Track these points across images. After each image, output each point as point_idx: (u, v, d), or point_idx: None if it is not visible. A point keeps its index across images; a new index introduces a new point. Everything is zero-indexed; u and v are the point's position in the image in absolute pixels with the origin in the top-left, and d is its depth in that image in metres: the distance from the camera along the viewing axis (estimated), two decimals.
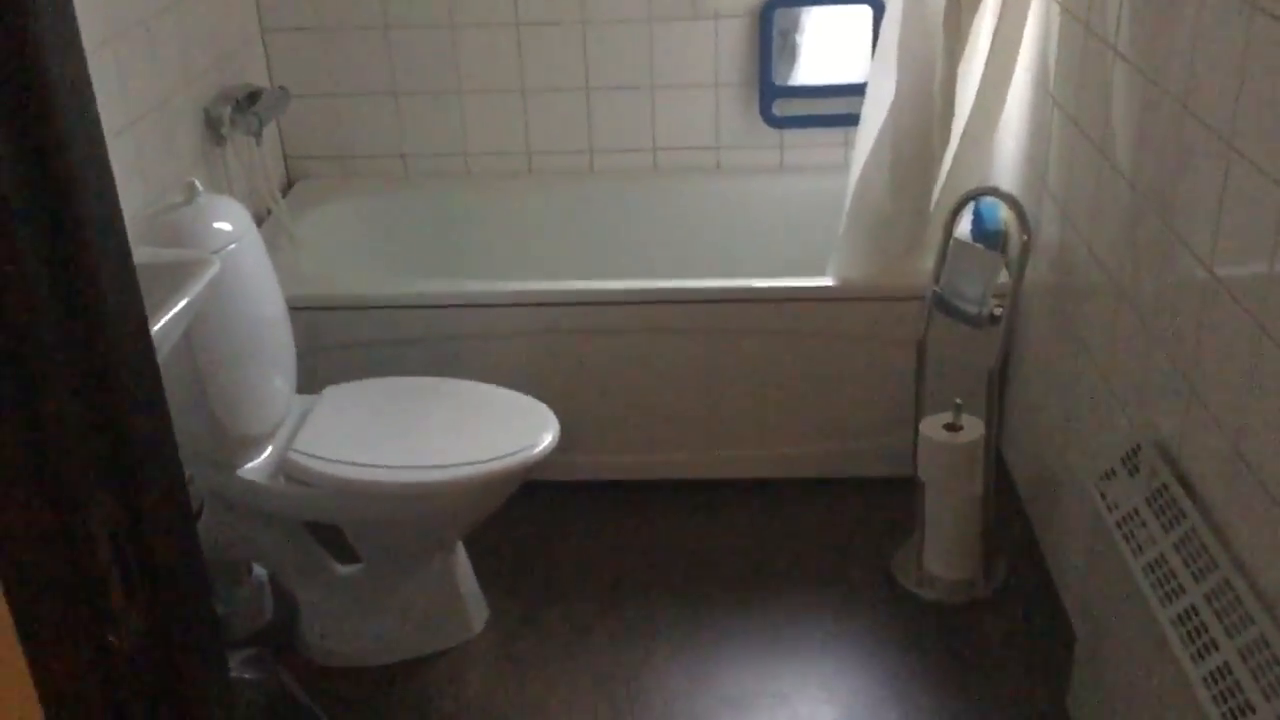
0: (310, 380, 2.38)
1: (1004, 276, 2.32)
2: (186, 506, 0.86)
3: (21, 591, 0.72)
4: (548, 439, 2.17)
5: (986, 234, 2.49)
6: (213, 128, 2.60)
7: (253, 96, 2.71)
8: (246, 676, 2.01)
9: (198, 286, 1.64)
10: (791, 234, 3.00)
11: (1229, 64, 1.50)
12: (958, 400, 2.29)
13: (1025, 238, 2.23)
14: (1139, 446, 1.77)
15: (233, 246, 2.06)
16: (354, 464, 2.08)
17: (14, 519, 0.71)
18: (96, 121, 0.73)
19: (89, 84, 0.73)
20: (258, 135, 2.70)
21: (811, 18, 2.95)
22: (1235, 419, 1.50)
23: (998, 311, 2.25)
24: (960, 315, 2.29)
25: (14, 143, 0.66)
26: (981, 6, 2.29)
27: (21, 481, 0.70)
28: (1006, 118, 2.51)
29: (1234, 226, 1.51)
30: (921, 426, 2.31)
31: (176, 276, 1.64)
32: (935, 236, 2.39)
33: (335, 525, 2.23)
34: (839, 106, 2.97)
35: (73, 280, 0.71)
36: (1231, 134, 1.50)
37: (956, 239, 2.32)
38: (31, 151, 0.67)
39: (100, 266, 0.72)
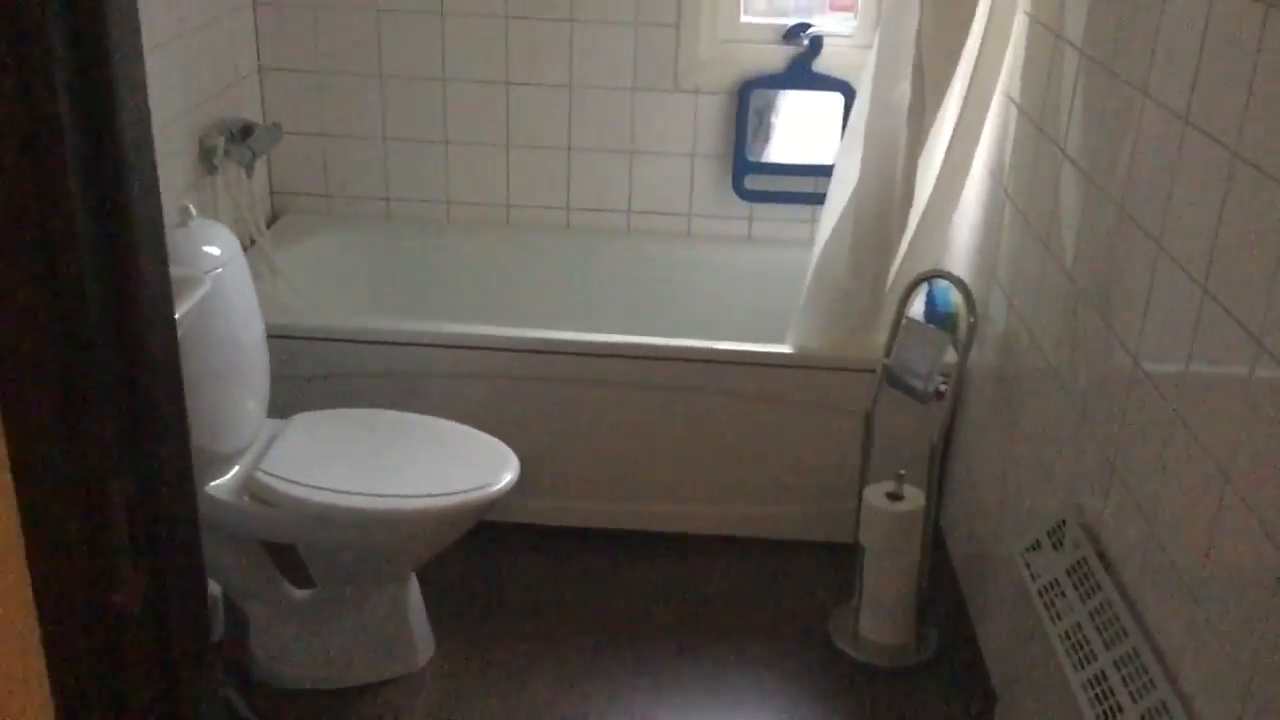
0: (281, 405, 2.45)
1: (951, 356, 2.45)
2: (191, 488, 0.94)
3: (41, 548, 0.80)
4: (507, 478, 2.25)
5: (938, 315, 2.62)
6: (206, 157, 2.69)
7: (247, 130, 2.81)
8: None
9: (188, 304, 1.72)
10: (755, 302, 3.13)
11: (1163, 172, 1.64)
12: (901, 471, 2.40)
13: (972, 321, 2.37)
14: (1064, 522, 1.89)
15: (220, 270, 2.14)
16: (317, 487, 2.15)
17: (44, 485, 0.79)
18: (150, 145, 0.83)
19: (145, 97, 0.83)
20: (249, 168, 2.79)
21: (786, 100, 3.11)
22: (1152, 502, 1.62)
23: (943, 388, 2.37)
24: (908, 390, 2.41)
25: (85, 145, 0.75)
26: (944, 102, 2.44)
27: (55, 452, 0.78)
28: (963, 206, 2.66)
29: (1159, 324, 1.64)
30: (865, 494, 2.42)
31: None
32: (889, 313, 2.51)
33: (292, 547, 2.29)
34: (807, 185, 3.12)
35: (120, 281, 0.80)
36: (1161, 236, 1.64)
37: (909, 317, 2.44)
38: (97, 160, 0.77)
39: (143, 266, 0.81)
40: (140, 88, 0.82)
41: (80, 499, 0.79)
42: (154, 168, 0.84)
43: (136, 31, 0.85)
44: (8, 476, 0.80)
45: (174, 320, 0.87)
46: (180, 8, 2.60)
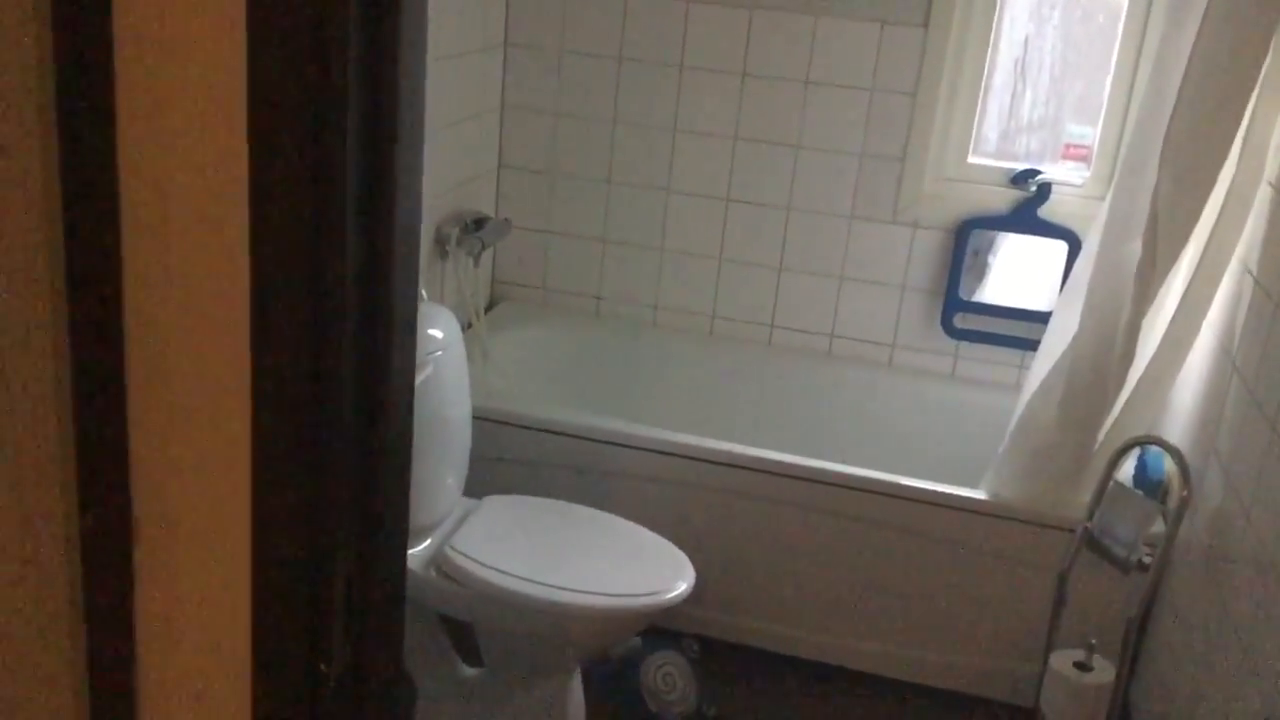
0: (474, 485, 2.54)
1: (1159, 526, 2.33)
2: (404, 562, 1.00)
3: (265, 616, 0.87)
4: (682, 587, 2.26)
5: (1148, 481, 2.50)
6: (440, 244, 2.86)
7: (480, 222, 2.98)
8: None
9: None
10: (951, 441, 3.06)
11: None
12: (1092, 640, 2.29)
13: (1185, 493, 2.25)
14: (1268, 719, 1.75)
15: (440, 353, 2.26)
16: (502, 571, 2.22)
17: (279, 554, 0.86)
18: (416, 232, 0.91)
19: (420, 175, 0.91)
20: (477, 257, 2.95)
21: (1007, 242, 3.07)
22: None
23: (1146, 560, 2.25)
24: (1108, 556, 2.30)
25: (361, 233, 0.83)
26: (1176, 265, 2.36)
27: (292, 523, 0.85)
28: (1185, 372, 2.55)
29: None
30: (1051, 659, 2.31)
31: None
32: (1095, 474, 2.42)
33: (467, 624, 2.35)
34: (1019, 330, 3.06)
35: (371, 365, 0.87)
36: None
37: (1117, 481, 2.34)
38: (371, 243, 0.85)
39: (394, 350, 0.88)
40: (416, 178, 0.89)
41: (308, 570, 0.85)
42: (416, 256, 0.91)
43: (420, 125, 0.91)
44: (248, 538, 0.87)
45: (411, 409, 0.93)
46: (440, 105, 2.80)
